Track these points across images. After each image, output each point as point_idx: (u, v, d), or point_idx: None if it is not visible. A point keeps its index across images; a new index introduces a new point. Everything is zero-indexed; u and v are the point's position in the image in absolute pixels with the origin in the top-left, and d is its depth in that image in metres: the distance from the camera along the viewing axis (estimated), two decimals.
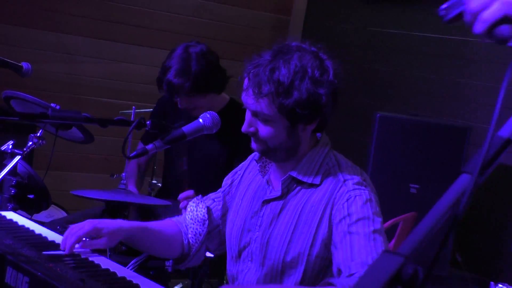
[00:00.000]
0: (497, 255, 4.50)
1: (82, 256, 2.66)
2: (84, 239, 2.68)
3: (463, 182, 1.26)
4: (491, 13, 1.43)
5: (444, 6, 1.53)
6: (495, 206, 4.76)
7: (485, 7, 1.44)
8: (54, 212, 4.51)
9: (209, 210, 2.94)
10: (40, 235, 2.88)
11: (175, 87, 4.11)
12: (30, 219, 3.15)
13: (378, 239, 2.52)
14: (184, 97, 4.14)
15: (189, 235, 2.91)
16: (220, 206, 2.96)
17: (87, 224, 2.68)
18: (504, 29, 1.42)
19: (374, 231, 2.52)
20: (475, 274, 4.63)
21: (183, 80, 4.14)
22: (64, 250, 2.63)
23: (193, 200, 3.01)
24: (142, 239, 2.84)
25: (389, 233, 4.22)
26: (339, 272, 2.51)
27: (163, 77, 4.18)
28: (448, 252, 4.55)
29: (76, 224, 2.71)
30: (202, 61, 4.23)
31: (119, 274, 2.50)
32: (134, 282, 2.44)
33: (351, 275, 2.44)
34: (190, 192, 3.22)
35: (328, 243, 2.60)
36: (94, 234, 2.70)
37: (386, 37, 5.82)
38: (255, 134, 2.67)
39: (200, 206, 2.95)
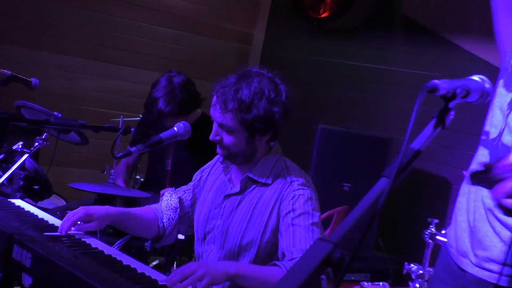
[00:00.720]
0: (410, 241, 4.54)
1: (76, 237, 2.66)
2: (78, 222, 2.68)
3: (382, 184, 1.31)
4: None
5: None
6: (410, 202, 4.82)
7: None
8: (55, 201, 4.48)
9: (180, 200, 2.93)
10: (42, 219, 2.86)
11: (165, 113, 4.12)
12: (35, 205, 3.14)
13: (316, 230, 2.56)
14: (170, 119, 4.16)
15: (164, 220, 2.90)
16: (190, 197, 2.95)
17: (81, 210, 2.66)
18: None
19: (313, 224, 2.56)
20: (393, 256, 4.67)
21: (171, 107, 4.14)
22: (61, 233, 2.65)
23: (167, 192, 3.02)
24: (125, 222, 2.82)
25: (326, 223, 4.29)
26: (283, 255, 2.55)
27: (154, 105, 4.19)
28: (372, 238, 4.60)
29: (72, 211, 2.71)
30: (185, 90, 4.24)
31: (106, 252, 2.50)
32: (118, 259, 2.43)
33: (292, 259, 2.49)
34: (171, 188, 3.24)
35: (276, 232, 2.61)
36: (86, 218, 2.67)
37: (328, 65, 5.81)
38: (220, 142, 2.67)
39: (173, 196, 2.95)
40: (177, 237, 3.03)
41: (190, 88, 4.33)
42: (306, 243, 2.51)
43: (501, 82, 1.89)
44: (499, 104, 1.88)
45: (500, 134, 1.82)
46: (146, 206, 3.00)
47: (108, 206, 2.82)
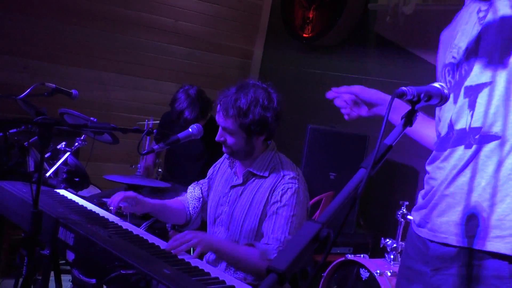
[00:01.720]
0: (386, 219, 4.54)
1: (110, 220, 2.68)
2: (124, 204, 2.68)
3: (361, 173, 1.31)
4: None
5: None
6: (385, 187, 4.82)
7: None
8: (92, 190, 4.49)
9: (201, 190, 2.96)
10: (82, 205, 2.87)
11: (191, 120, 4.13)
12: (76, 194, 3.15)
13: (294, 222, 2.56)
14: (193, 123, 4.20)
15: (190, 209, 2.93)
16: (206, 188, 2.97)
17: (131, 192, 2.70)
18: None
19: (293, 216, 2.56)
20: (372, 232, 4.68)
21: (195, 115, 4.20)
22: (110, 206, 2.65)
23: (191, 185, 3.04)
24: (161, 213, 2.84)
25: (316, 205, 4.29)
26: (262, 235, 2.59)
27: (180, 116, 4.24)
28: (353, 217, 4.60)
29: (121, 193, 2.71)
30: (201, 98, 4.29)
31: (134, 233, 2.52)
32: (144, 237, 2.46)
33: (267, 244, 2.52)
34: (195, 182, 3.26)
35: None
36: (133, 201, 2.71)
37: (315, 75, 5.81)
38: (225, 142, 2.69)
39: (196, 188, 2.97)
40: (200, 221, 3.05)
41: (204, 96, 4.35)
42: (281, 233, 2.53)
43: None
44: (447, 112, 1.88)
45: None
46: (175, 198, 3.01)
47: (148, 198, 2.83)
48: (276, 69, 6.21)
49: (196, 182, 3.04)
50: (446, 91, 1.45)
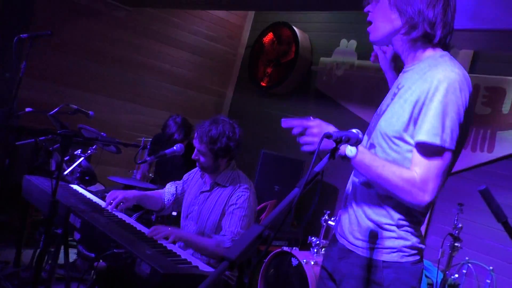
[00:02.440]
0: (313, 222, 4.56)
1: (109, 211, 2.63)
2: (121, 203, 2.69)
3: (295, 192, 1.30)
4: (307, 148, 1.59)
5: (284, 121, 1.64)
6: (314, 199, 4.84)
7: (306, 143, 1.60)
8: (99, 187, 4.41)
9: (176, 188, 2.94)
10: (89, 198, 2.83)
11: (178, 140, 4.11)
12: (85, 189, 3.09)
13: (245, 220, 2.56)
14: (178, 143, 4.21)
15: (165, 200, 2.90)
16: (181, 188, 2.93)
17: (120, 195, 2.68)
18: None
19: (244, 216, 2.56)
20: (301, 231, 4.69)
21: (181, 137, 4.20)
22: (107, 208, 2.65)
23: (169, 183, 3.01)
24: (143, 201, 2.82)
25: (263, 210, 4.28)
26: (221, 229, 2.58)
27: (170, 138, 4.22)
28: (290, 220, 4.61)
29: (114, 191, 2.73)
30: (186, 124, 4.28)
31: (127, 221, 2.49)
32: (134, 225, 2.42)
33: (224, 235, 2.52)
34: (172, 182, 3.24)
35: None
36: (124, 201, 2.68)
37: (270, 115, 5.81)
38: (198, 160, 2.69)
39: (172, 186, 2.95)
40: (172, 212, 3.01)
41: (187, 122, 4.33)
42: (235, 228, 2.53)
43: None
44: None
45: None
46: (156, 191, 2.99)
47: (134, 191, 2.81)
48: (242, 108, 6.21)
49: (173, 182, 3.01)
50: (360, 135, 1.45)
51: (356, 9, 3.39)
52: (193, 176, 2.94)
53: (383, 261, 1.61)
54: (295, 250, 3.63)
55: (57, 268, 2.72)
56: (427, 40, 1.61)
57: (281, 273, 3.63)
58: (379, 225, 1.64)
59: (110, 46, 5.40)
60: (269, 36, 5.84)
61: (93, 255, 2.86)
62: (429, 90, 1.50)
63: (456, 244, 3.23)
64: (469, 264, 3.67)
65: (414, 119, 1.54)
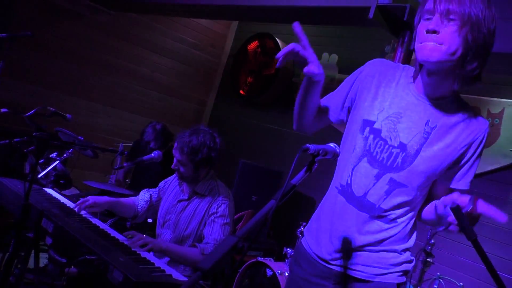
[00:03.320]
0: (289, 234, 4.57)
1: (83, 216, 2.59)
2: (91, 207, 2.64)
3: (271, 203, 1.30)
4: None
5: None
6: (290, 211, 4.85)
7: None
8: (73, 191, 4.35)
9: (150, 196, 2.91)
10: (63, 202, 2.78)
11: (154, 149, 4.09)
12: (60, 193, 3.04)
13: (226, 228, 2.58)
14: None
15: (139, 207, 2.87)
16: (156, 195, 2.91)
17: (90, 199, 2.63)
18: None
19: (225, 224, 2.58)
20: (278, 242, 4.68)
21: (158, 145, 4.19)
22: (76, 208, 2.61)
23: (144, 190, 2.98)
24: (116, 208, 2.78)
25: (240, 219, 4.27)
26: (203, 237, 2.57)
27: (147, 146, 4.20)
28: (266, 231, 4.60)
29: (85, 198, 2.67)
30: (164, 134, 4.26)
31: (101, 227, 2.45)
32: (108, 231, 2.39)
33: (207, 243, 2.53)
34: (146, 189, 3.21)
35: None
36: (93, 205, 2.64)
37: (251, 124, 5.83)
38: (178, 169, 2.68)
39: (146, 193, 2.92)
40: (146, 219, 2.98)
41: (167, 131, 4.31)
42: (218, 235, 2.53)
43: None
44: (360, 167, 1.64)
45: (365, 194, 1.62)
46: (130, 197, 2.96)
47: (106, 197, 2.77)
48: (223, 117, 6.21)
49: (147, 189, 2.98)
50: (338, 150, 1.46)
51: (338, 24, 3.44)
52: (170, 184, 2.92)
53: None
54: (270, 261, 3.62)
55: (26, 272, 2.66)
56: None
57: (256, 284, 3.62)
58: (390, 254, 1.66)
59: (92, 49, 5.35)
60: (253, 45, 5.86)
61: (64, 260, 2.80)
62: (477, 141, 1.57)
63: (428, 259, 3.27)
64: (441, 280, 3.72)
65: (455, 163, 1.58)
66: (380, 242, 1.63)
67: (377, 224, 1.62)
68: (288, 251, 3.70)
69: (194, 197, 2.69)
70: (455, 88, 1.53)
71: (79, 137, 3.67)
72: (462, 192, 1.51)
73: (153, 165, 3.83)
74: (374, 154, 1.61)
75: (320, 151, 1.39)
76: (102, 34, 5.40)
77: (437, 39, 1.44)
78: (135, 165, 3.11)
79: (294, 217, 4.72)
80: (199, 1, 4.09)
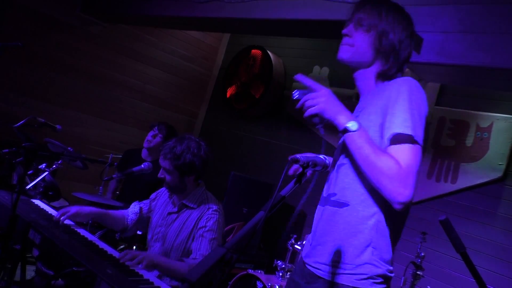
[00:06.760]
0: (279, 246, 4.55)
1: (71, 227, 2.56)
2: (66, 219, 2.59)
3: (260, 214, 1.30)
4: (311, 110, 1.45)
5: (296, 92, 1.50)
6: (281, 223, 4.83)
7: (310, 105, 1.46)
8: (62, 202, 4.30)
9: (141, 208, 2.89)
10: (50, 214, 2.75)
11: (144, 159, 4.10)
12: (48, 205, 3.01)
13: (215, 242, 2.55)
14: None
15: (128, 219, 2.84)
16: (146, 208, 2.89)
17: (74, 208, 2.60)
18: (315, 120, 1.45)
19: (213, 239, 2.55)
20: (268, 254, 4.66)
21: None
22: (57, 219, 2.54)
23: (134, 203, 2.96)
24: (103, 219, 2.75)
25: (231, 231, 4.25)
26: (191, 252, 2.56)
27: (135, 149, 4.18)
28: (256, 242, 4.58)
29: (67, 207, 2.62)
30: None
31: (89, 239, 2.43)
32: (96, 243, 2.36)
33: (195, 258, 2.50)
34: (136, 202, 3.18)
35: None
36: (77, 214, 2.61)
37: (242, 137, 5.84)
38: (164, 179, 2.67)
39: (137, 206, 2.89)
40: (136, 232, 2.95)
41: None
42: (205, 250, 2.51)
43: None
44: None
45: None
46: (120, 210, 2.93)
47: (92, 207, 2.73)
48: (214, 129, 6.22)
49: (138, 201, 2.96)
50: (327, 162, 1.47)
51: (329, 38, 3.47)
52: (161, 196, 2.91)
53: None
54: (261, 274, 3.60)
55: (12, 285, 2.62)
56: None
57: None
58: (348, 250, 1.63)
59: (82, 61, 5.35)
60: (244, 58, 5.88)
61: (51, 272, 2.76)
62: (391, 96, 1.48)
63: (418, 272, 3.27)
64: None
65: (382, 125, 1.49)
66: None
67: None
68: (279, 264, 3.68)
69: (184, 209, 2.67)
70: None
71: (69, 148, 3.64)
72: (395, 138, 1.44)
73: (144, 177, 3.82)
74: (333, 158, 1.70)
75: (310, 163, 1.39)
76: (94, 45, 5.40)
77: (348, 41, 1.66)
78: (125, 177, 3.09)
79: (285, 229, 4.69)
80: (191, 13, 4.11)
